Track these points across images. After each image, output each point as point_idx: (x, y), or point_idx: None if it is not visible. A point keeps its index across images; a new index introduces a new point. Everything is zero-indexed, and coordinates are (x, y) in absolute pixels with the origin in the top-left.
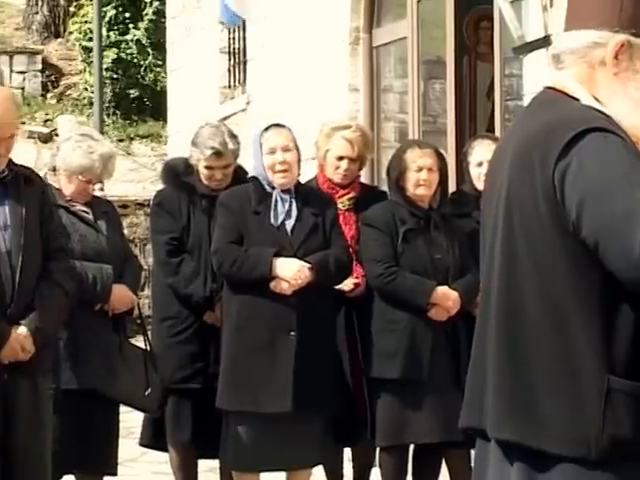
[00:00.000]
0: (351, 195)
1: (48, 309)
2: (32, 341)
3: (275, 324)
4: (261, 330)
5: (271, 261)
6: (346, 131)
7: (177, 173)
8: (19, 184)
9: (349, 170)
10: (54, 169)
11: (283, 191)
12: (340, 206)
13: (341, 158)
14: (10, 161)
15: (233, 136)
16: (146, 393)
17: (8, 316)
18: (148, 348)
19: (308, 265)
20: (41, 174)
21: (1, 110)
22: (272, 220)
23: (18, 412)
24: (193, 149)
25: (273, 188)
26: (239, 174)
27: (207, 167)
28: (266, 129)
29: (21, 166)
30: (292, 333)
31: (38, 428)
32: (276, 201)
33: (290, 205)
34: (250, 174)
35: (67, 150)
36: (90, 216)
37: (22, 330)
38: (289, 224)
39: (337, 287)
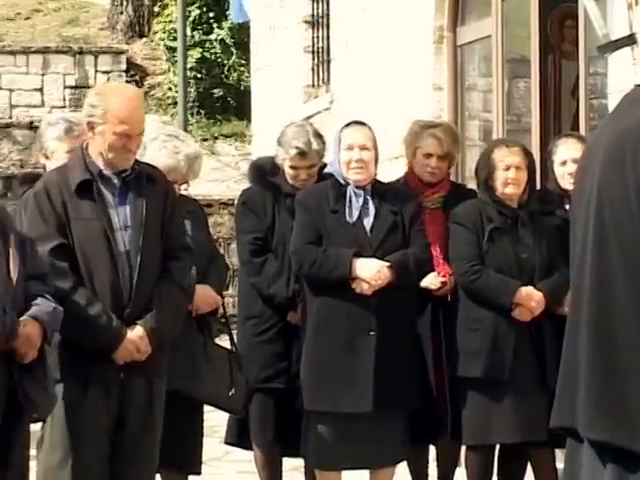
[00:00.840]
0: (440, 194)
1: (165, 309)
2: (148, 341)
3: (354, 324)
4: (341, 330)
5: (351, 262)
6: (435, 129)
7: (264, 172)
8: (141, 183)
9: (438, 168)
10: None
11: (357, 187)
12: (429, 205)
13: (430, 156)
14: (134, 160)
15: (318, 136)
16: (230, 394)
17: (125, 317)
18: (233, 348)
19: (387, 264)
20: None
21: (132, 107)
22: (347, 217)
23: (132, 411)
24: (278, 148)
25: (348, 184)
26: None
27: (292, 167)
28: (347, 125)
29: (145, 164)
30: (372, 333)
31: (150, 428)
32: (350, 197)
33: (365, 201)
34: (326, 170)
35: (154, 150)
36: None
37: (138, 330)
38: (367, 223)
39: (424, 286)
